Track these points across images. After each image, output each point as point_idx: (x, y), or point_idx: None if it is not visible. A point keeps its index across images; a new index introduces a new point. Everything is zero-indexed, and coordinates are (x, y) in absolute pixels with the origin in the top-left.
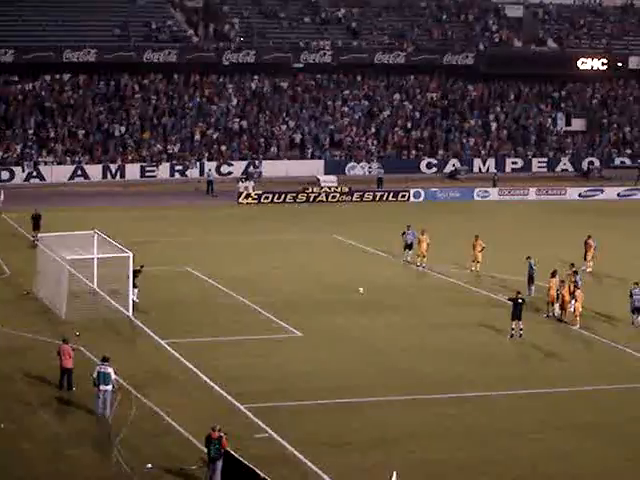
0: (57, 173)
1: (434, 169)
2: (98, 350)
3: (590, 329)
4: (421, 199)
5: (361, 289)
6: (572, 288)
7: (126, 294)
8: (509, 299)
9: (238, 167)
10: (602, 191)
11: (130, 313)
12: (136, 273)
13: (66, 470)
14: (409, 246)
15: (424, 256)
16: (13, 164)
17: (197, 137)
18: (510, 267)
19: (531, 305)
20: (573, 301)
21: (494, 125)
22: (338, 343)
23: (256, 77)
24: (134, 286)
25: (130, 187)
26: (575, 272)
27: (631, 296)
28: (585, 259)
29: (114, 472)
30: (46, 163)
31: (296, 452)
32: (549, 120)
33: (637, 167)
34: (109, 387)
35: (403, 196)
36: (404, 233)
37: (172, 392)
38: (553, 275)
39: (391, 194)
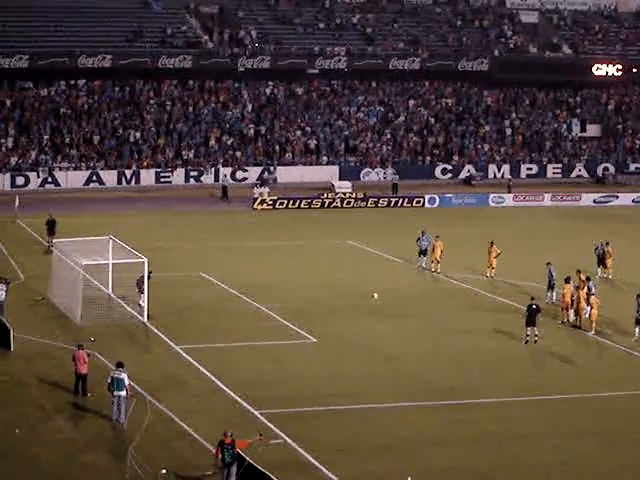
0: (72, 179)
1: (449, 175)
2: (113, 356)
3: (605, 335)
4: (436, 205)
5: (375, 295)
6: (585, 294)
7: (137, 299)
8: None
9: (253, 173)
10: (617, 197)
11: (145, 319)
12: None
13: (81, 476)
14: (424, 252)
15: (438, 262)
16: (28, 170)
17: (212, 143)
18: (525, 273)
19: (549, 311)
20: (588, 307)
21: (509, 131)
22: (352, 349)
23: (271, 83)
24: (142, 292)
25: (145, 193)
26: (588, 278)
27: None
28: (605, 266)
29: (129, 477)
30: (61, 169)
31: (310, 458)
32: (564, 126)
33: None
34: (123, 393)
35: (418, 202)
36: (419, 239)
37: (187, 397)
38: (567, 281)
39: (406, 200)
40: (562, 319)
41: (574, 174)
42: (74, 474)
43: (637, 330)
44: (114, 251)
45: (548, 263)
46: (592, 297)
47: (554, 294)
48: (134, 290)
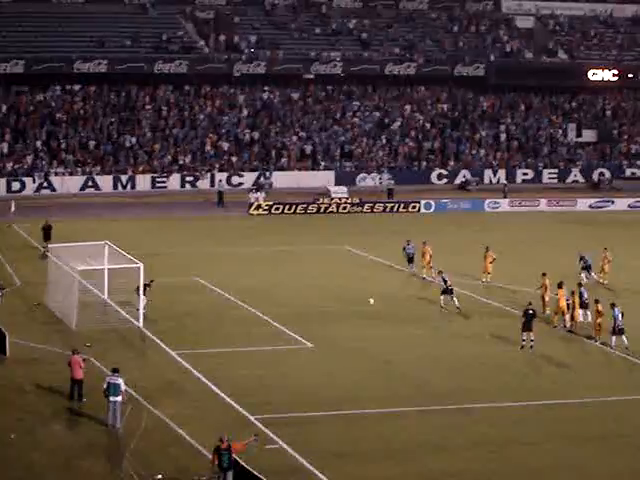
0: (68, 184)
1: (445, 180)
2: (109, 361)
3: (601, 340)
4: (432, 210)
5: (371, 300)
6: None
7: (137, 304)
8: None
9: (249, 178)
10: (613, 202)
11: (141, 324)
12: (145, 287)
13: None
14: (411, 259)
15: (431, 267)
16: (24, 175)
17: (208, 148)
18: (521, 278)
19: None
20: (581, 311)
21: (505, 136)
22: (349, 354)
23: (267, 88)
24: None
25: (141, 198)
26: (579, 284)
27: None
28: (604, 271)
29: None
30: (57, 174)
31: (306, 463)
32: (560, 131)
33: None
34: (119, 398)
35: (414, 207)
36: (404, 248)
37: (183, 403)
38: (560, 286)
39: (402, 205)
40: (555, 324)
41: (570, 179)
42: (70, 479)
43: (614, 339)
44: (110, 256)
45: (440, 272)
46: (599, 305)
47: (454, 298)
48: (131, 295)
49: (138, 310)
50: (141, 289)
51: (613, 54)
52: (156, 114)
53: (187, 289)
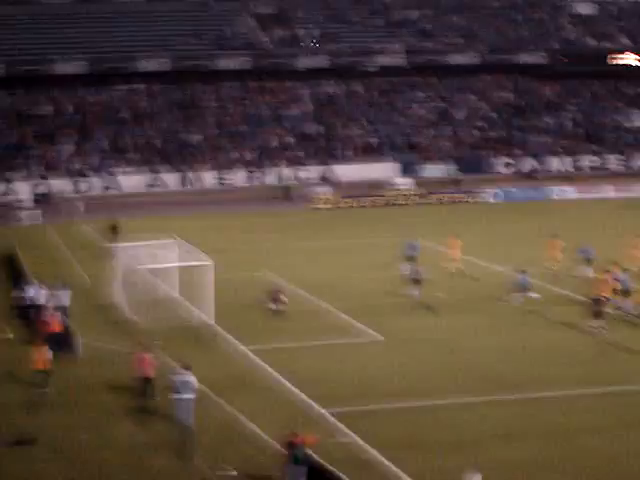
0: (134, 182)
1: (510, 168)
2: (179, 358)
3: None
4: (499, 199)
5: (440, 294)
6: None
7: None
8: (592, 298)
9: (314, 172)
10: None
11: (212, 321)
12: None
13: (148, 479)
14: (411, 259)
15: (455, 260)
16: (91, 174)
17: (273, 143)
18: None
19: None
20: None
21: (569, 123)
22: (419, 345)
23: (330, 81)
24: (281, 302)
25: (207, 195)
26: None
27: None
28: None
29: None
30: (123, 173)
31: (378, 455)
32: (625, 117)
33: None
34: (190, 395)
35: (482, 197)
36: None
37: (253, 398)
38: (607, 270)
39: (470, 195)
40: (619, 305)
41: (636, 165)
42: (141, 477)
43: None
44: (179, 253)
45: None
46: None
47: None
48: (199, 292)
49: (211, 305)
50: (211, 284)
51: None
52: (221, 110)
53: (256, 284)
